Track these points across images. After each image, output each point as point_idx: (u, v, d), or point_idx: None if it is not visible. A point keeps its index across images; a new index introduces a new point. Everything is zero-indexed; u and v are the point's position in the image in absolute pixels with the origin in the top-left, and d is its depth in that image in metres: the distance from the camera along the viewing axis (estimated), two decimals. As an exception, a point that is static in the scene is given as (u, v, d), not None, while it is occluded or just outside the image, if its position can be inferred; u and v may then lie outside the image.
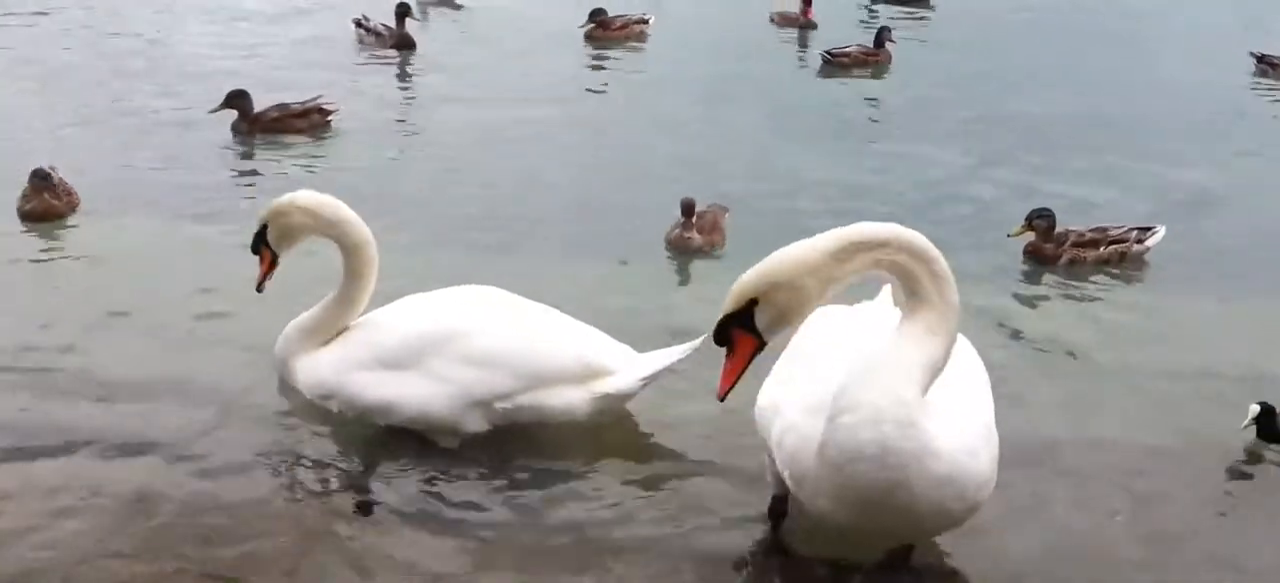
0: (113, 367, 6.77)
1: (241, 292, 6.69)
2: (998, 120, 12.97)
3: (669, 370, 6.10)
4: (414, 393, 5.94)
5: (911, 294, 4.51)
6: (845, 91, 14.37)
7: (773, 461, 5.03)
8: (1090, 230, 9.16)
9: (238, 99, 11.56)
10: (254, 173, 10.75)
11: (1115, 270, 8.99)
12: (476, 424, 6.00)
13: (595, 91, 14.13)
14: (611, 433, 6.19)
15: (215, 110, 11.50)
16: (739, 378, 4.47)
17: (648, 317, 7.54)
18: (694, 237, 8.99)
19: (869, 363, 4.46)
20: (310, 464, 5.99)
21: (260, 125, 11.53)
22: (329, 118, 11.82)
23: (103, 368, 6.76)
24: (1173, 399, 6.92)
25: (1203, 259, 9.26)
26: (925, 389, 4.43)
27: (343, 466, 5.99)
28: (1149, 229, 9.20)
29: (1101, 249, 9.03)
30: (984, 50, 16.50)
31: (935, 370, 4.46)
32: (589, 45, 16.02)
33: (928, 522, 4.67)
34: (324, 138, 11.62)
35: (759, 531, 5.48)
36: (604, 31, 16.22)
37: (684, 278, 8.77)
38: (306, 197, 6.21)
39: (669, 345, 6.18)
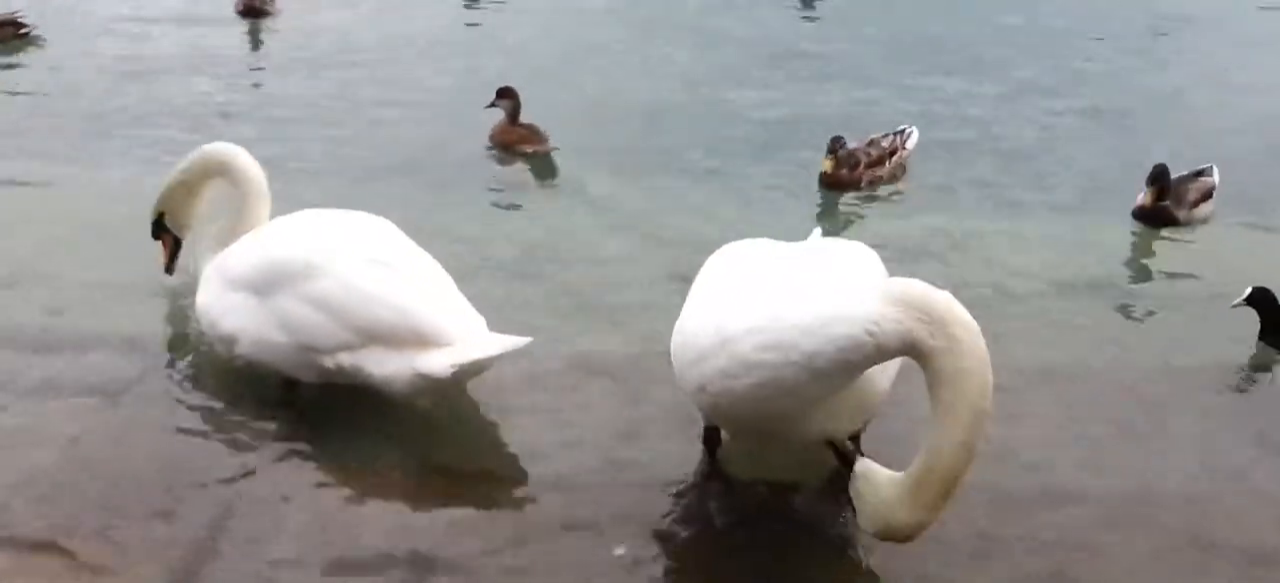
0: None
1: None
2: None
3: (494, 360, 5.54)
4: (256, 328, 5.62)
5: None
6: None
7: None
8: (867, 145, 9.09)
9: None
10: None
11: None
12: (309, 375, 5.64)
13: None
14: (540, 366, 6.02)
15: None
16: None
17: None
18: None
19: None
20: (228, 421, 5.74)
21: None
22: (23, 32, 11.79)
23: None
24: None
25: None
26: None
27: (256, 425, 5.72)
28: (903, 131, 9.29)
29: (888, 163, 9.01)
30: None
31: None
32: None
33: (809, 410, 4.51)
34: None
35: (695, 458, 5.36)
36: None
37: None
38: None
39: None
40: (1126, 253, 8.19)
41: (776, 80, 11.47)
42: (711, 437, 5.19)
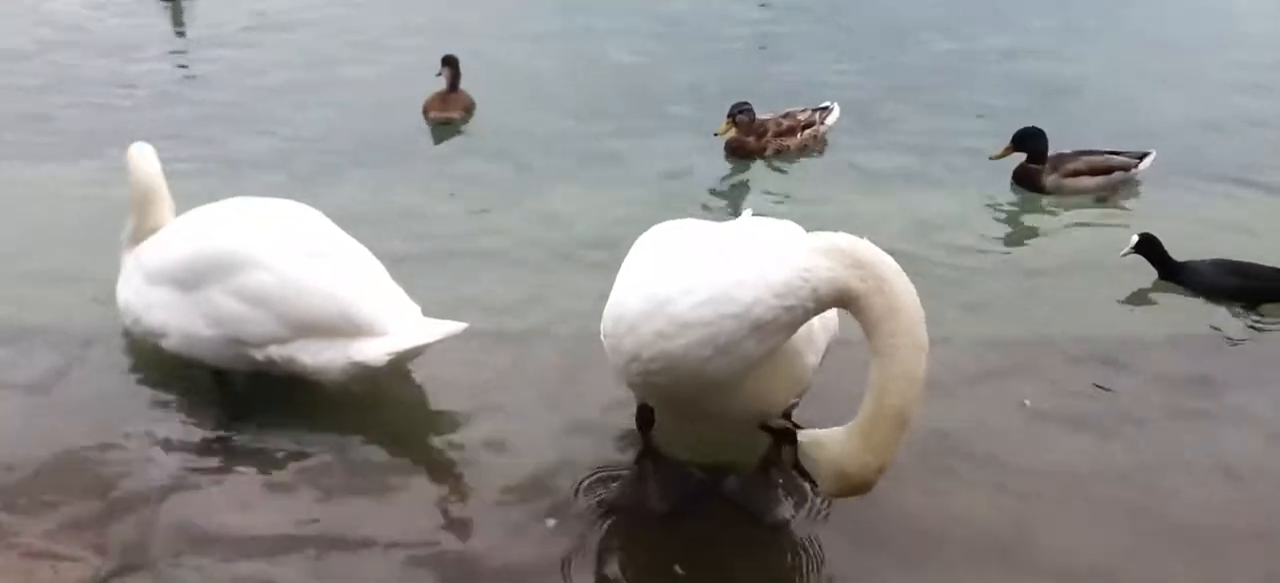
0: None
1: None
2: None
3: (429, 346, 5.50)
4: (182, 322, 5.55)
5: None
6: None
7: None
8: (780, 117, 9.23)
9: None
10: None
11: (813, 155, 9.20)
12: (240, 366, 5.59)
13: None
14: (475, 348, 6.00)
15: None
16: None
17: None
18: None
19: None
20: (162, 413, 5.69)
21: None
22: None
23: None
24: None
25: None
26: None
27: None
28: (826, 108, 9.40)
29: (799, 135, 9.15)
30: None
31: None
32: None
33: (735, 387, 4.49)
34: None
35: (630, 440, 5.38)
36: None
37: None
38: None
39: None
40: (1030, 222, 8.28)
41: (718, 58, 11.45)
42: (645, 417, 5.19)
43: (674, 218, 5.15)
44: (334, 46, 11.46)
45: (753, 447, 5.20)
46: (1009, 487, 5.28)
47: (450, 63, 9.75)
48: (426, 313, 5.62)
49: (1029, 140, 8.59)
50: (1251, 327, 6.80)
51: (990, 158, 8.65)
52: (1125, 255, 7.18)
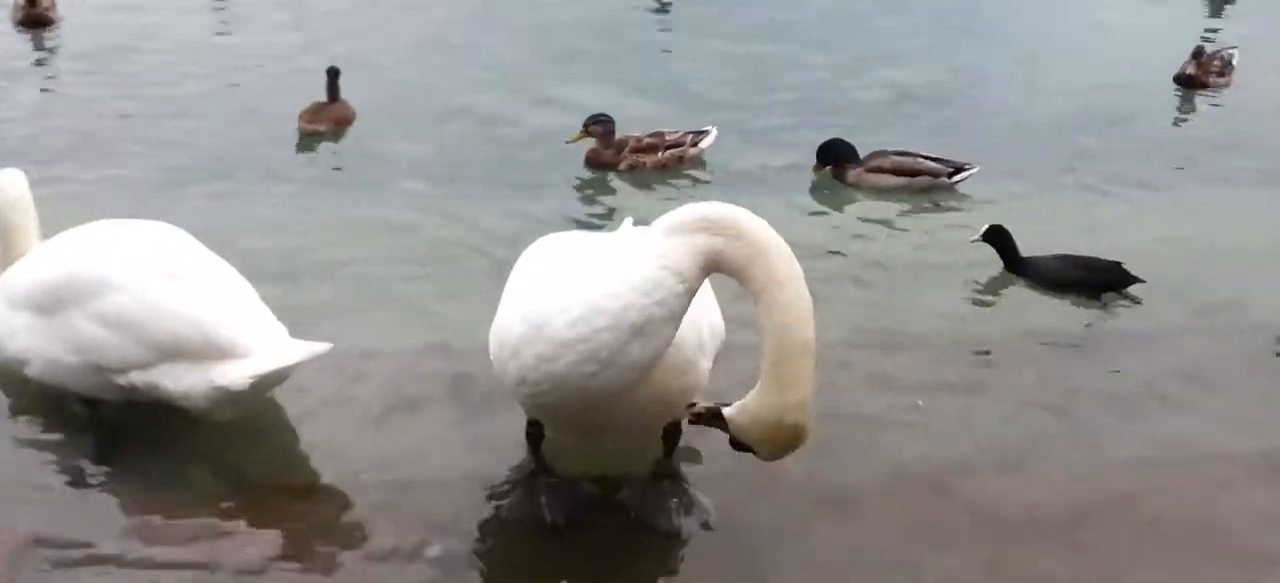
0: None
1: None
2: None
3: (294, 368, 5.31)
4: (44, 348, 5.33)
5: None
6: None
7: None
8: (649, 136, 9.28)
9: None
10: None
11: (675, 175, 9.15)
12: (106, 394, 5.37)
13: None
14: (352, 368, 5.93)
15: None
16: None
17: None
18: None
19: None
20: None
21: None
22: None
23: None
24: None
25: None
26: None
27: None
28: (703, 132, 9.43)
29: (660, 154, 9.19)
30: None
31: None
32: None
33: (628, 401, 4.51)
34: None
35: (519, 455, 5.34)
36: None
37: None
38: None
39: None
40: (875, 228, 8.40)
41: (605, 73, 11.29)
42: (535, 431, 5.16)
43: (548, 230, 5.17)
44: (206, 64, 11.13)
45: (644, 456, 5.22)
46: (902, 487, 5.40)
47: (331, 74, 9.61)
48: (294, 333, 5.47)
49: (832, 152, 8.98)
50: (1093, 320, 7.14)
51: (812, 171, 9.00)
52: (975, 241, 7.50)
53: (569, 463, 5.24)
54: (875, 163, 8.97)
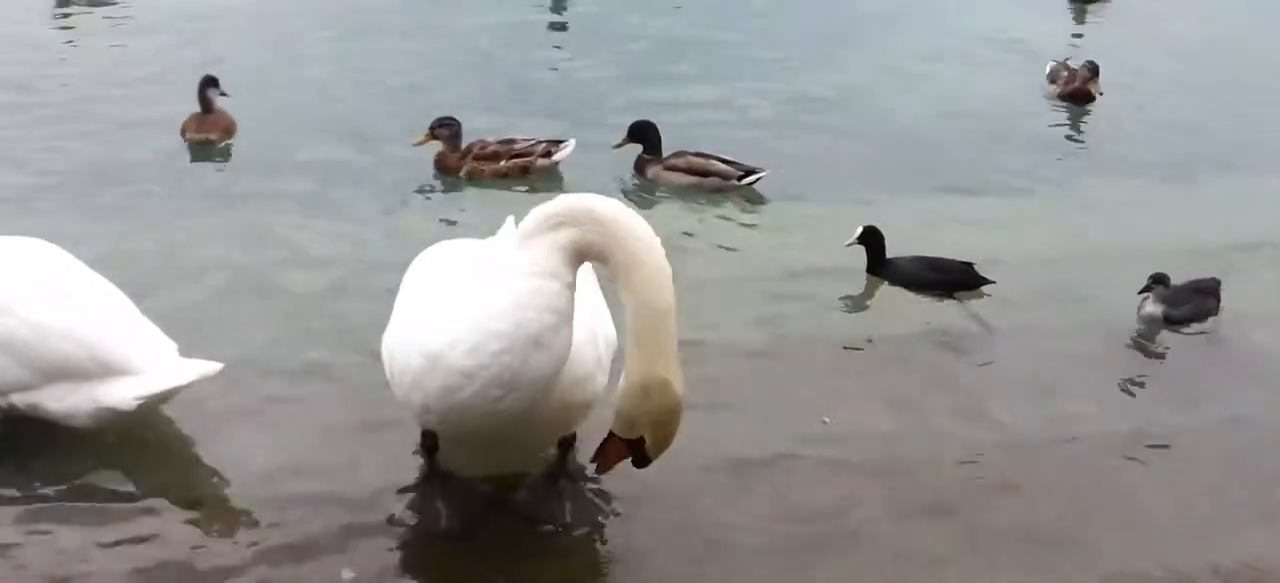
0: None
1: None
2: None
3: (184, 387, 5.27)
4: None
5: None
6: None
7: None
8: (497, 141, 9.25)
9: None
10: None
11: (523, 183, 9.01)
12: None
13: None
14: (248, 383, 5.84)
15: None
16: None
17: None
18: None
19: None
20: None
21: None
22: None
23: None
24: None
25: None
26: None
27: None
28: (559, 143, 9.27)
29: (502, 162, 9.11)
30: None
31: None
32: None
33: (529, 422, 4.59)
34: None
35: (415, 464, 5.33)
36: None
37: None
38: None
39: None
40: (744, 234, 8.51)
41: (491, 84, 11.28)
42: (430, 441, 5.15)
43: (430, 237, 5.18)
44: (83, 85, 10.85)
45: (538, 457, 5.28)
46: (795, 491, 5.49)
47: (208, 83, 9.45)
48: (184, 352, 5.40)
49: (641, 132, 9.19)
50: (951, 321, 7.34)
51: (613, 148, 9.20)
52: (849, 246, 7.71)
53: (465, 468, 5.24)
54: (672, 162, 9.19)
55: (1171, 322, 7.24)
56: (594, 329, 4.75)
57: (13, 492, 5.13)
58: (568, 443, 5.19)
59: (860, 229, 7.76)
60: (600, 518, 5.11)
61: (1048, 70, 11.69)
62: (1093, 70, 11.24)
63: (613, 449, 4.42)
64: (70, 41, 11.84)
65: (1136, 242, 8.33)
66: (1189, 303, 7.33)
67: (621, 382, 4.28)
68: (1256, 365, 6.94)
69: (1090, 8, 14.65)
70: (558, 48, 12.56)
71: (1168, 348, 7.10)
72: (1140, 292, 7.28)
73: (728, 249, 8.19)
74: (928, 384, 6.48)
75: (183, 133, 9.42)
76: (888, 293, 7.67)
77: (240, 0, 12.97)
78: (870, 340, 6.99)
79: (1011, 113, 11.13)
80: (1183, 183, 9.81)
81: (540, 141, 9.24)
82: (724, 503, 5.31)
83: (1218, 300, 7.43)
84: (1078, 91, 11.26)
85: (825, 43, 13.09)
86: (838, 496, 5.44)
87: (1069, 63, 11.68)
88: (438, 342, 4.42)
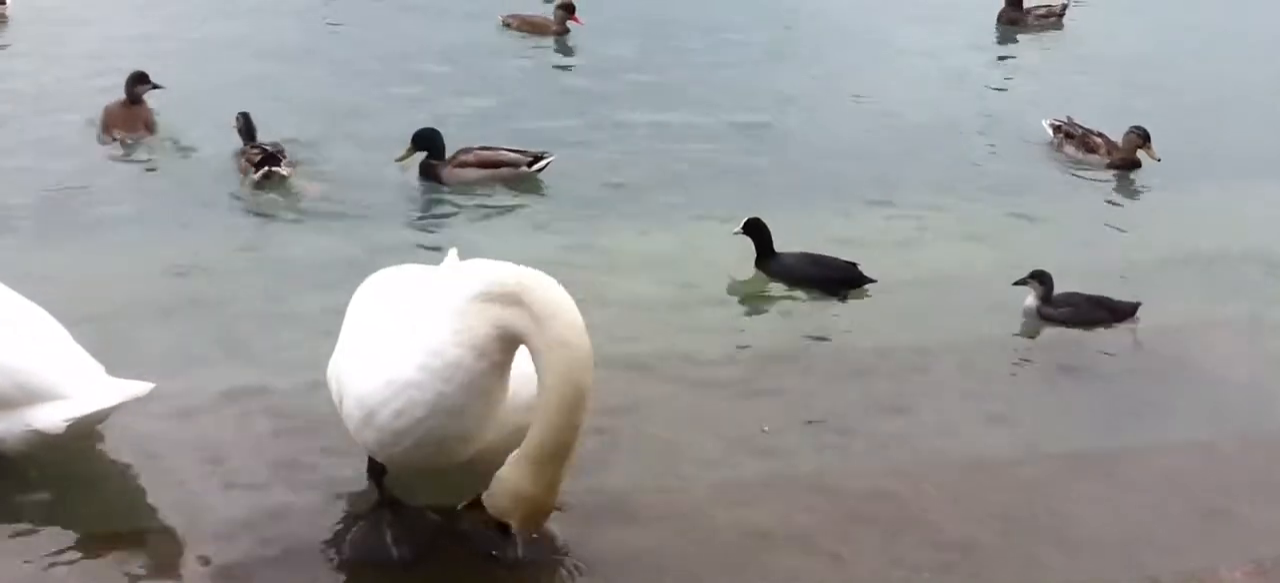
0: None
1: None
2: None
3: (113, 409, 5.22)
4: None
5: None
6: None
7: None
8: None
9: None
10: None
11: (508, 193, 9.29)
12: None
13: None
14: (186, 406, 5.78)
15: None
16: None
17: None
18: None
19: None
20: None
21: None
22: None
23: None
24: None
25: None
26: None
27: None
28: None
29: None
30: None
31: None
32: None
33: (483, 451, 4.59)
34: None
35: (363, 489, 5.29)
36: None
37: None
38: None
39: None
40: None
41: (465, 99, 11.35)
42: (377, 468, 5.11)
43: (375, 254, 5.14)
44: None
45: (488, 482, 5.18)
46: (744, 500, 5.56)
47: (139, 80, 9.57)
48: (112, 373, 5.32)
49: (425, 140, 9.30)
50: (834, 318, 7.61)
51: (396, 161, 9.27)
52: (736, 234, 7.94)
53: (411, 494, 5.21)
54: (461, 158, 9.38)
55: (1048, 320, 7.60)
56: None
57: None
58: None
59: (745, 219, 7.93)
60: (551, 545, 5.08)
61: (1047, 125, 10.88)
62: (1143, 136, 10.34)
63: (481, 515, 4.51)
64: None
65: (1056, 257, 8.34)
66: (1069, 307, 7.61)
67: (508, 469, 4.27)
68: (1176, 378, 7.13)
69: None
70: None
71: (1100, 360, 7.26)
72: (1015, 283, 7.64)
73: (618, 266, 8.14)
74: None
75: (108, 130, 9.37)
76: (773, 291, 7.82)
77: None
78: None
79: (940, 127, 11.27)
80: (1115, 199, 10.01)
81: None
82: (678, 525, 5.33)
83: (1116, 318, 7.61)
84: (1126, 161, 10.40)
85: (761, 61, 13.24)
86: (783, 510, 5.47)
87: (1072, 118, 10.86)
88: (371, 398, 4.47)
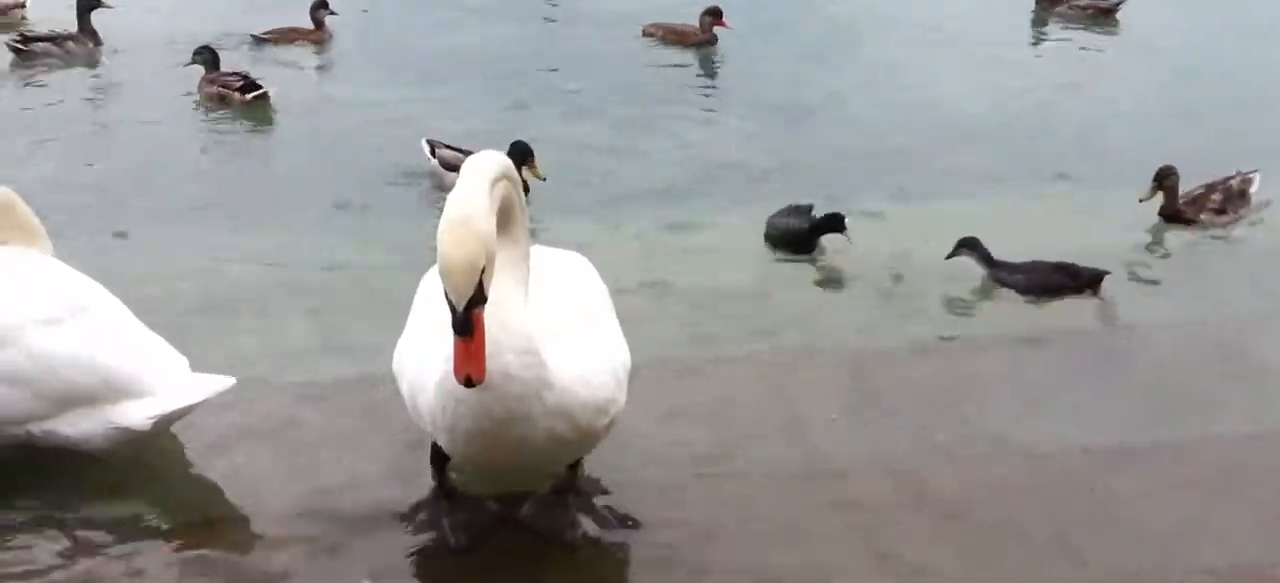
0: None
1: None
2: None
3: (198, 404, 5.26)
4: None
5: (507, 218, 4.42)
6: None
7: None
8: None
9: None
10: None
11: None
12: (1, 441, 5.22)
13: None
14: (257, 398, 5.88)
15: None
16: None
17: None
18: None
19: None
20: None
21: None
22: None
23: None
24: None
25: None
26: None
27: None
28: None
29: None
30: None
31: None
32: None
33: (546, 452, 4.66)
34: None
35: (424, 478, 5.35)
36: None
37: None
38: None
39: None
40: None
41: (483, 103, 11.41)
42: (439, 456, 5.19)
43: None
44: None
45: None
46: (796, 491, 5.58)
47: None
48: (195, 366, 5.40)
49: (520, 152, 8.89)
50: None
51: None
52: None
53: (471, 484, 5.30)
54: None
55: (1002, 285, 7.61)
56: (613, 358, 4.83)
57: (25, 517, 5.16)
58: (576, 461, 5.26)
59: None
60: (608, 534, 5.15)
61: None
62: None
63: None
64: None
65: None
66: (1023, 274, 7.59)
67: None
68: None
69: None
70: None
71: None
72: (947, 257, 7.66)
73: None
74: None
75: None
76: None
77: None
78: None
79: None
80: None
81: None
82: (735, 518, 5.35)
83: (1079, 286, 7.57)
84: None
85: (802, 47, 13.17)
86: (848, 497, 5.50)
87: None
88: (430, 401, 4.52)
